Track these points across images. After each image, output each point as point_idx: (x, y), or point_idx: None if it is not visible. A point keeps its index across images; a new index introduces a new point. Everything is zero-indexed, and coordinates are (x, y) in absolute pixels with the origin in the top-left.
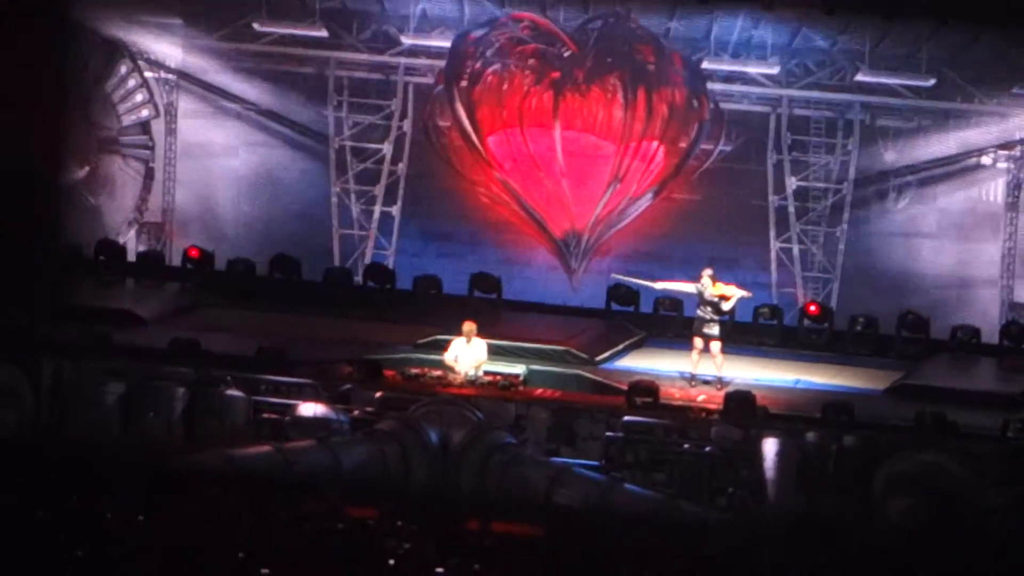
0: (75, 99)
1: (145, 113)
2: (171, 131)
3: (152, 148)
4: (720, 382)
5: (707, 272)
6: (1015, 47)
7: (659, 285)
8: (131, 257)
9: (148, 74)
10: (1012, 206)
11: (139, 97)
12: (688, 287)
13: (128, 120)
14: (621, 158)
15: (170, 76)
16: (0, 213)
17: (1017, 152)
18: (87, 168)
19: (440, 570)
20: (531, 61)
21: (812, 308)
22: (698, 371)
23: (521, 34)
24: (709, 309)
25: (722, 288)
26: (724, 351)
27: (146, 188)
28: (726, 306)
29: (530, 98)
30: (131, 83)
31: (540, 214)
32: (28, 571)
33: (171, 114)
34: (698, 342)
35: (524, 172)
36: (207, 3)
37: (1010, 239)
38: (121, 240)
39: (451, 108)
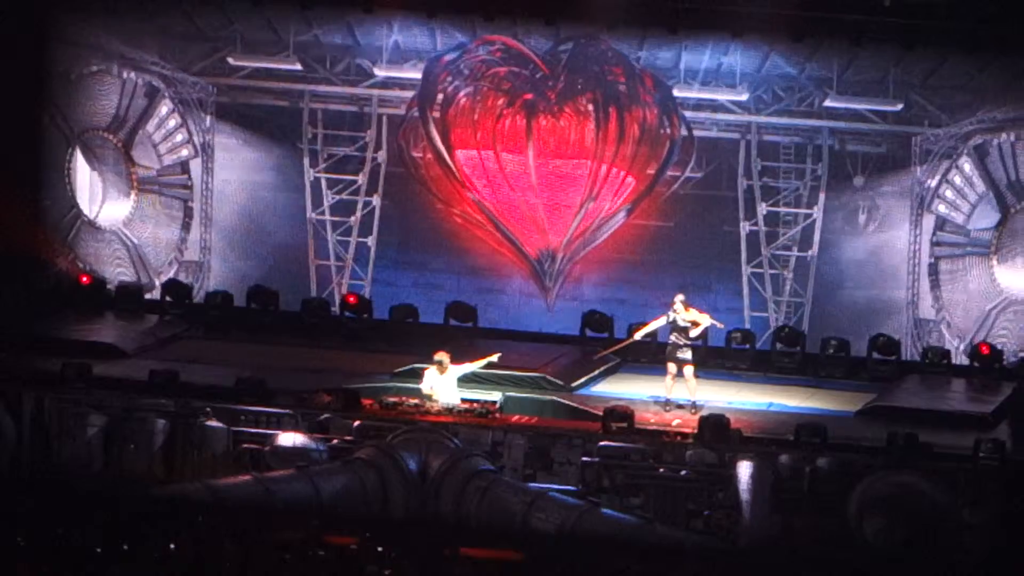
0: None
1: (185, 153)
2: (207, 170)
3: (191, 187)
4: (694, 406)
5: (679, 298)
6: (981, 71)
7: (639, 335)
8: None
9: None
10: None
11: (179, 137)
12: (661, 320)
13: (168, 160)
14: (595, 177)
15: (206, 116)
16: None
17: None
18: (129, 207)
19: None
20: (503, 83)
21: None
22: (672, 396)
23: (493, 57)
24: (681, 335)
25: (694, 315)
26: (697, 375)
27: (185, 227)
28: (693, 333)
29: (503, 120)
30: (171, 123)
31: (514, 234)
32: None
33: (207, 153)
34: (672, 367)
35: (498, 192)
36: (182, 38)
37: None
38: (160, 279)
39: (425, 131)
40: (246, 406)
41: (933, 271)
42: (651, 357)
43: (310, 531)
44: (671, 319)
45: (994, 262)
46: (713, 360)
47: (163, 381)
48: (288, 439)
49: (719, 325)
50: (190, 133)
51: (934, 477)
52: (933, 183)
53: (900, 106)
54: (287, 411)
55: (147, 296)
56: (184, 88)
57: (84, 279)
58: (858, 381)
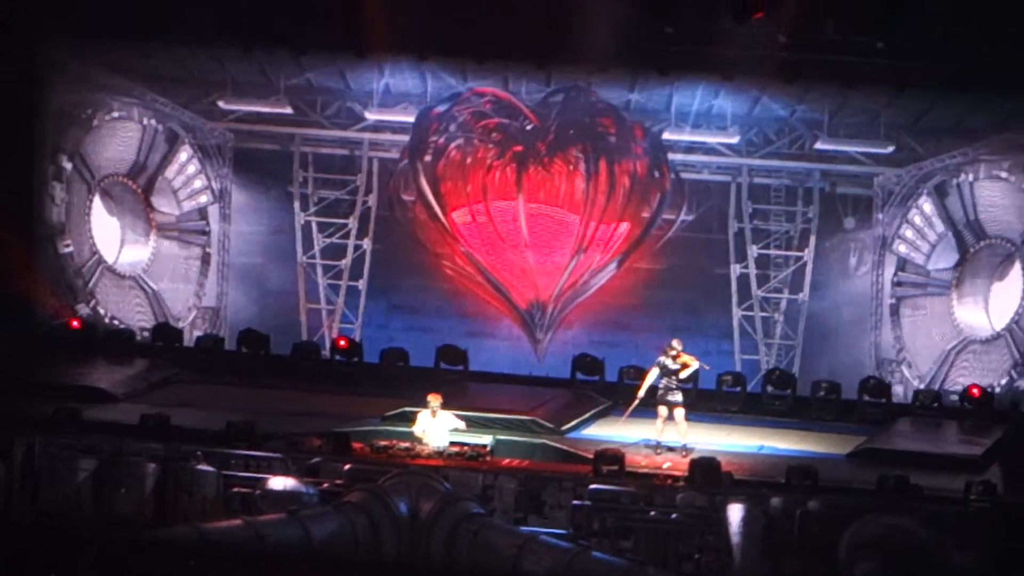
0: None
1: (203, 200)
2: (224, 216)
3: (209, 234)
4: (685, 449)
5: (675, 342)
6: (971, 112)
7: (642, 392)
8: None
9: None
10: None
11: (198, 183)
12: (654, 370)
13: (188, 206)
14: (585, 229)
15: (224, 162)
16: None
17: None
18: (149, 253)
19: None
20: (494, 135)
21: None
22: (663, 439)
23: (484, 108)
24: (672, 377)
25: (685, 358)
26: (688, 418)
27: (203, 273)
28: (683, 375)
29: (493, 171)
30: (191, 169)
31: (505, 286)
32: None
33: (224, 200)
34: (663, 410)
35: (488, 244)
36: (173, 80)
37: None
38: (181, 325)
39: (415, 183)
40: (236, 450)
41: (894, 311)
42: (642, 400)
43: (301, 575)
44: (662, 364)
45: (954, 302)
46: (704, 403)
47: (153, 425)
48: (279, 483)
49: (706, 367)
50: (208, 179)
51: (925, 519)
52: (895, 224)
53: (891, 148)
54: (277, 455)
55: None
56: (202, 135)
57: (74, 322)
58: (849, 424)
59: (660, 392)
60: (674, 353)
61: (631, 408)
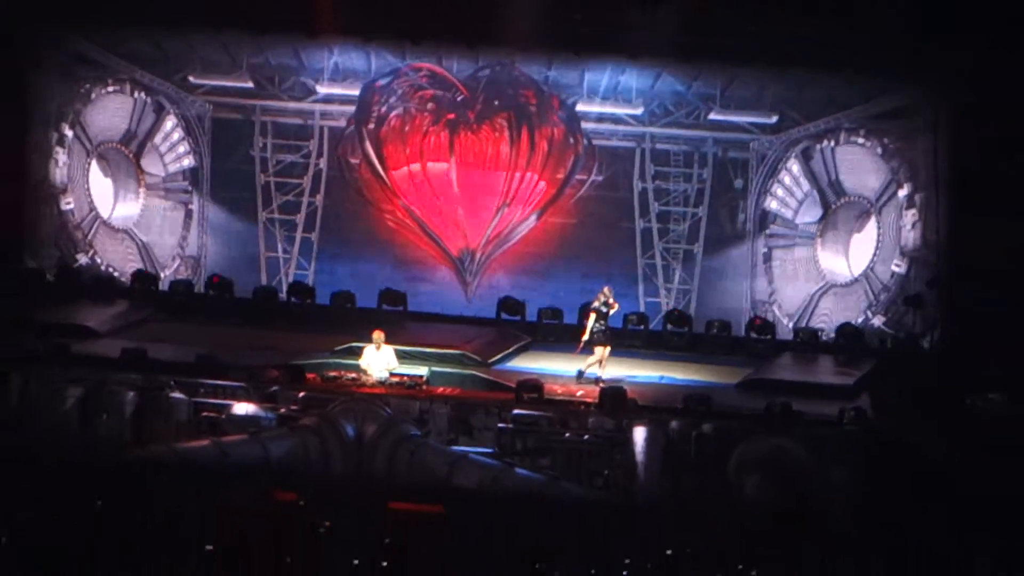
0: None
1: (186, 163)
2: (202, 177)
3: (190, 192)
4: (601, 380)
5: (607, 289)
6: (842, 88)
7: (586, 336)
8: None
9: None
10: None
11: (181, 148)
12: (592, 316)
13: (172, 168)
14: (508, 186)
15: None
16: None
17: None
18: (138, 210)
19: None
20: (429, 105)
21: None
22: (592, 372)
23: (420, 82)
24: (602, 320)
25: (614, 303)
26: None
27: (185, 227)
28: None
29: (429, 136)
30: (175, 137)
31: (439, 235)
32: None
33: (202, 162)
34: (599, 350)
35: (425, 200)
36: (150, 60)
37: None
38: (168, 273)
39: (360, 147)
40: (205, 380)
41: (767, 259)
42: (558, 337)
43: (260, 488)
44: (597, 309)
45: (818, 251)
46: (612, 340)
47: (132, 358)
48: (241, 408)
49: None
50: (190, 145)
51: (804, 440)
52: (768, 184)
53: (775, 118)
54: (240, 384)
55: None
56: (185, 106)
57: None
58: (737, 357)
59: (597, 335)
60: (605, 299)
61: (580, 346)
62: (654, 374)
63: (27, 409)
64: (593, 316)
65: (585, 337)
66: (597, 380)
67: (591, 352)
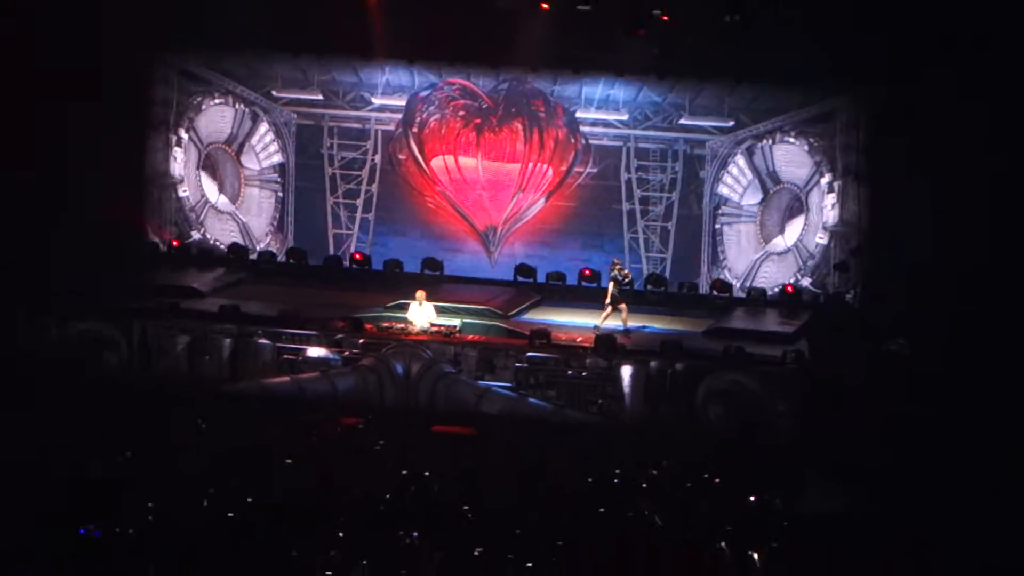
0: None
1: (277, 159)
2: (288, 170)
3: (280, 183)
4: (627, 331)
5: (616, 260)
6: (781, 97)
7: (608, 301)
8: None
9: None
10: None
11: (272, 148)
12: (611, 285)
13: (265, 164)
14: (522, 176)
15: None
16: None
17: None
18: (239, 197)
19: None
20: (461, 112)
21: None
22: (609, 324)
23: (454, 94)
24: (619, 285)
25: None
26: (596, 311)
27: (276, 210)
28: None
29: (460, 136)
30: (267, 139)
31: (468, 215)
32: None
33: (288, 159)
34: (623, 307)
35: (457, 187)
36: (241, 76)
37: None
38: (262, 246)
39: (406, 145)
40: (286, 329)
41: (719, 233)
42: (562, 295)
43: (329, 414)
44: (614, 277)
45: (759, 227)
46: (604, 298)
47: (228, 312)
48: (314, 352)
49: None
50: (279, 145)
51: (756, 376)
52: (720, 173)
53: (732, 123)
54: (313, 332)
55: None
56: (275, 114)
57: (175, 242)
58: (703, 311)
59: (616, 296)
60: (619, 267)
61: (605, 316)
62: (637, 324)
63: (145, 352)
64: (612, 284)
65: (608, 300)
66: (626, 331)
67: (614, 310)
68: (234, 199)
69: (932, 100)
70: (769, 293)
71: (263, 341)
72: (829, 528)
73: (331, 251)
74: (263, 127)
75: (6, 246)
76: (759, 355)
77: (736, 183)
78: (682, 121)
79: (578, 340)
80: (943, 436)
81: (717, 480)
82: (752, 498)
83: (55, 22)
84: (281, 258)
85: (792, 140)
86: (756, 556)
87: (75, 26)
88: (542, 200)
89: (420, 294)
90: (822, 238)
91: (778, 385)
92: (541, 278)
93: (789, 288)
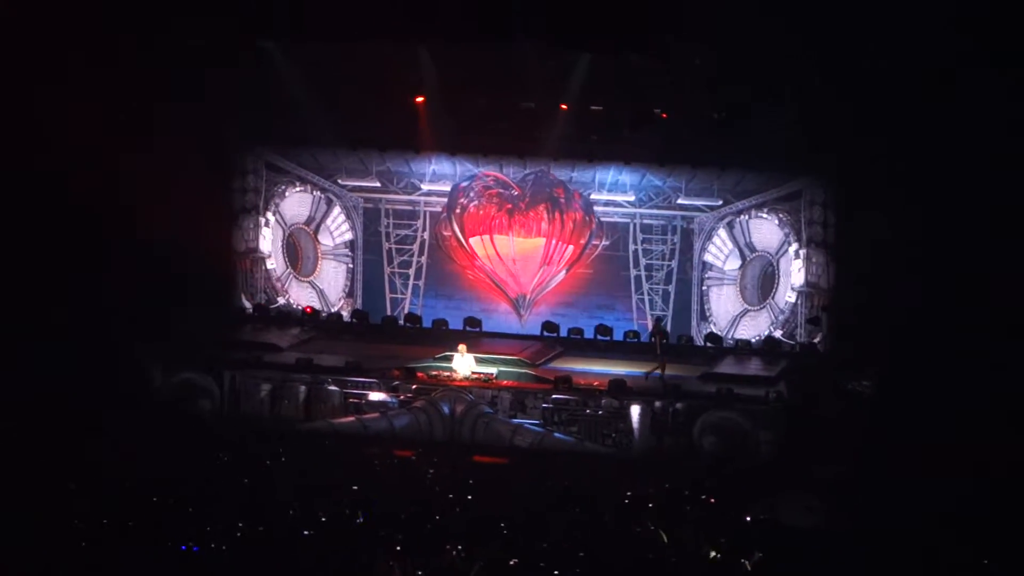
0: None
1: (348, 237)
2: (356, 247)
3: (350, 257)
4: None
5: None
6: (759, 181)
7: (660, 351)
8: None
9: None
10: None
11: (344, 227)
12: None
13: (338, 240)
14: (547, 251)
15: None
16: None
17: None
18: (317, 268)
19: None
20: (495, 198)
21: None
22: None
23: (488, 182)
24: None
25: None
26: (609, 360)
27: (347, 279)
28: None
29: (495, 218)
30: (340, 219)
31: (502, 284)
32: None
33: (356, 237)
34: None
35: (492, 261)
36: (311, 168)
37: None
38: (335, 308)
39: (450, 225)
40: (351, 378)
41: (705, 293)
42: (581, 348)
43: (386, 448)
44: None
45: (738, 288)
46: (614, 350)
47: (304, 364)
48: (375, 396)
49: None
50: (349, 225)
51: (743, 413)
52: (706, 244)
53: (720, 202)
54: (374, 380)
55: (324, 317)
56: (346, 200)
57: (259, 306)
58: (697, 358)
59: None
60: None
61: (660, 367)
62: (643, 370)
63: (235, 397)
64: (659, 338)
65: (659, 351)
66: (660, 377)
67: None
68: (312, 270)
69: (880, 185)
70: (753, 343)
71: (332, 388)
72: (807, 538)
73: (388, 312)
74: (336, 210)
75: (140, 320)
76: (745, 395)
77: (719, 252)
78: (679, 201)
79: (595, 384)
80: (901, 453)
81: (712, 500)
82: (747, 518)
83: (169, 124)
84: (347, 318)
85: (765, 215)
86: (747, 563)
87: (184, 127)
88: (563, 272)
89: (462, 347)
90: (791, 297)
91: (761, 419)
92: (563, 332)
93: (772, 340)
